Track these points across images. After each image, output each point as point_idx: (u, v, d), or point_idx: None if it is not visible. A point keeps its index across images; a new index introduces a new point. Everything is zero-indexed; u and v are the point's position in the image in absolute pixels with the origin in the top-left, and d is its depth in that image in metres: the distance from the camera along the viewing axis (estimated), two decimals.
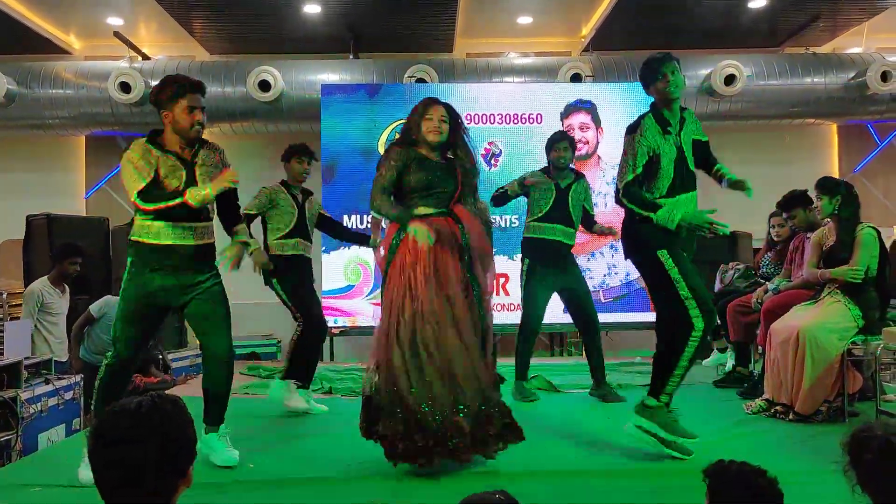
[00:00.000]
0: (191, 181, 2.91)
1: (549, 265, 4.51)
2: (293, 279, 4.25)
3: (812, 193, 4.05)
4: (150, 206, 2.80)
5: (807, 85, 7.63)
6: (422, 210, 3.05)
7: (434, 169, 3.10)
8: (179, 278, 2.93)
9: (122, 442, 1.31)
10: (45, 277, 5.41)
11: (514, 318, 6.76)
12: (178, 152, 2.95)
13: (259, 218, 4.31)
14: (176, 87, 2.91)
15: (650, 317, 6.95)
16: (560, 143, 4.55)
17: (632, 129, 3.12)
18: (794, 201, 4.42)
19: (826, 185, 3.94)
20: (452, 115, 3.16)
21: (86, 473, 2.85)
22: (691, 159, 3.11)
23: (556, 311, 6.80)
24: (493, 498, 1.50)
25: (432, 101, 3.16)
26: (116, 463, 1.31)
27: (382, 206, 3.08)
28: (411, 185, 3.06)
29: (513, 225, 6.93)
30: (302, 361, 4.26)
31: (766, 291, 4.43)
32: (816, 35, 8.08)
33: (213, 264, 3.08)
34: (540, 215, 4.55)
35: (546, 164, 4.68)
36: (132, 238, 2.95)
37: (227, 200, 3.16)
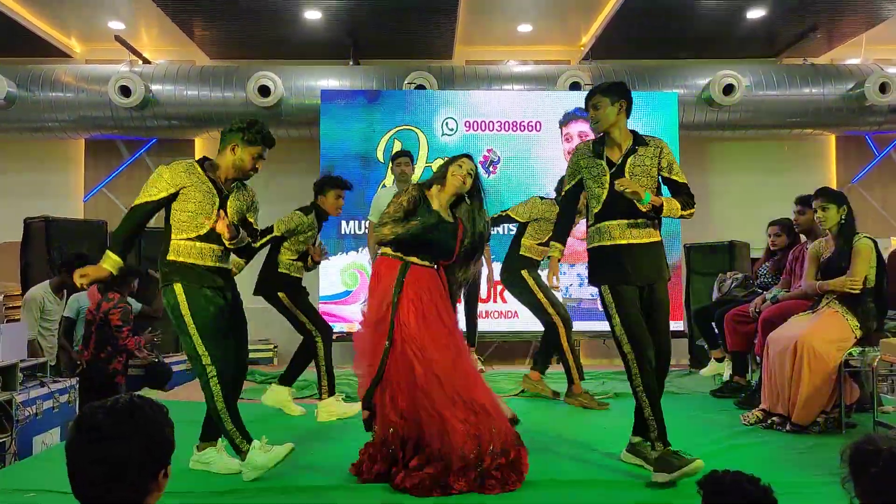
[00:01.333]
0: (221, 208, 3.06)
1: None
2: (303, 296, 4.31)
3: (814, 203, 4.00)
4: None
5: (805, 95, 7.66)
6: (414, 259, 3.01)
7: (443, 229, 3.05)
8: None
9: (108, 438, 1.33)
10: (47, 283, 5.40)
11: (511, 325, 6.80)
12: (218, 180, 3.07)
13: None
14: (261, 136, 3.06)
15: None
16: None
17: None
18: (809, 201, 4.40)
19: (833, 195, 3.93)
20: (478, 175, 3.19)
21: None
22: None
23: None
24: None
25: (466, 155, 3.18)
26: (100, 460, 1.33)
27: (396, 229, 2.99)
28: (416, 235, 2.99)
29: (511, 233, 6.91)
30: (331, 370, 4.31)
31: (764, 301, 4.44)
32: (815, 46, 8.11)
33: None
34: None
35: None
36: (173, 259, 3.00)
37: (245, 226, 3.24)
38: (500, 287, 6.83)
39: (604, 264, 3.08)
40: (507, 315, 6.83)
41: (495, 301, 6.82)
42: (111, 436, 1.33)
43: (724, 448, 3.40)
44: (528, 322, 6.73)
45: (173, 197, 2.96)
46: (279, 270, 4.27)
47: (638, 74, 7.67)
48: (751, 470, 1.69)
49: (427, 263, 3.03)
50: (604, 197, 3.06)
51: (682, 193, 3.14)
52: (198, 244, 2.98)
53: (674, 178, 3.15)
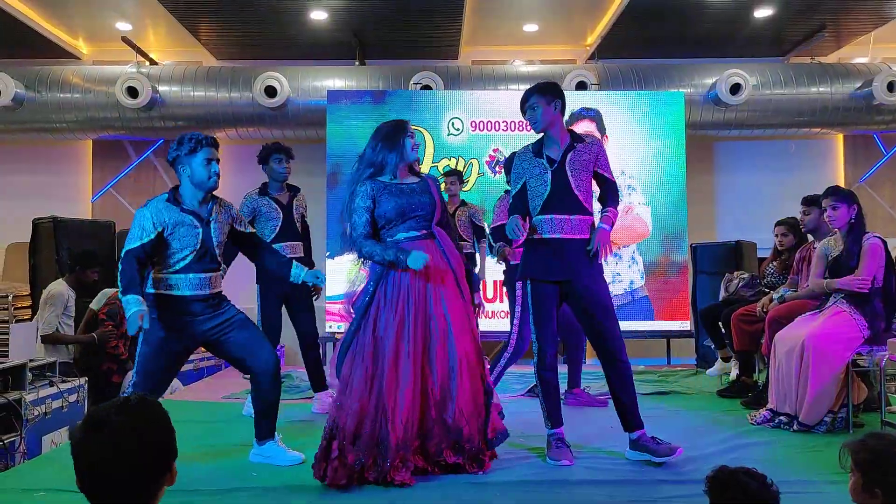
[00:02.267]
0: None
1: None
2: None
3: (824, 202, 3.97)
4: None
5: (813, 94, 7.63)
6: (402, 236, 3.03)
7: (409, 191, 3.07)
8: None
9: (119, 435, 1.35)
10: (63, 280, 5.42)
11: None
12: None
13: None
14: (195, 140, 3.03)
15: (653, 325, 6.97)
16: None
17: None
18: (815, 201, 4.38)
19: (844, 194, 3.90)
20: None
21: None
22: (575, 184, 3.16)
23: None
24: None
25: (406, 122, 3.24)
26: (111, 458, 1.34)
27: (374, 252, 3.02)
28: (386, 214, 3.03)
29: None
30: None
31: (771, 300, 4.42)
32: (822, 45, 8.08)
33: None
34: None
35: None
36: None
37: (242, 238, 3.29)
38: (504, 288, 6.84)
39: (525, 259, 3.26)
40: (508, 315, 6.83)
41: (501, 301, 6.82)
42: (122, 433, 1.35)
43: (731, 447, 3.39)
44: None
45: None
46: None
47: (644, 74, 7.66)
48: (757, 468, 1.69)
49: (416, 234, 3.03)
50: (545, 196, 3.18)
51: (611, 191, 3.29)
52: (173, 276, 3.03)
53: (605, 174, 3.28)
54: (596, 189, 3.29)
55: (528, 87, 7.91)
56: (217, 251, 3.10)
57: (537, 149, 3.28)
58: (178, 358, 3.14)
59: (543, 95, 3.22)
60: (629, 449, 3.19)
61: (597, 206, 3.28)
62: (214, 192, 3.13)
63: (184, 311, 3.02)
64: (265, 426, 3.20)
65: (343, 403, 2.89)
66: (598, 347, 3.20)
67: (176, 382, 5.23)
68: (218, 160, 3.08)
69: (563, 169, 3.17)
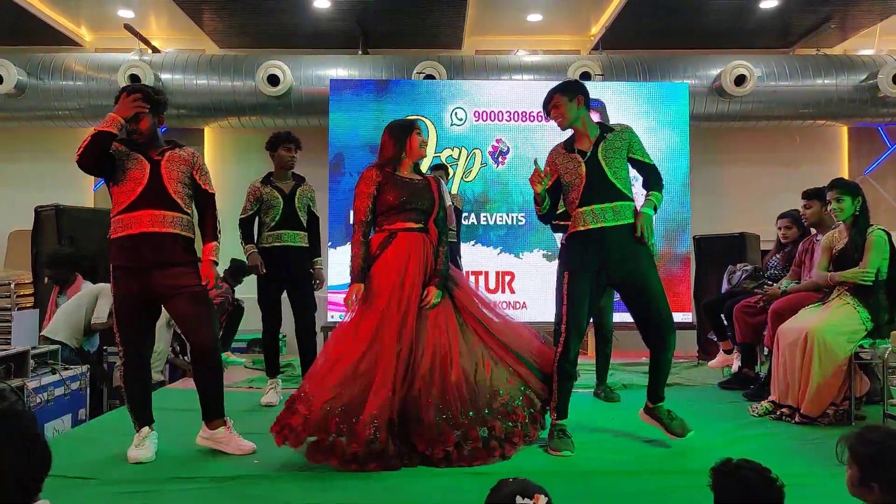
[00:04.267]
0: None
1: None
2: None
3: (829, 194, 3.95)
4: None
5: (818, 86, 7.59)
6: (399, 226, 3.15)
7: (413, 187, 3.20)
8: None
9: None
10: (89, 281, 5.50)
11: (520, 315, 6.78)
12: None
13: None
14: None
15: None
16: None
17: None
18: (818, 194, 4.37)
19: (849, 186, 3.89)
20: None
21: (135, 452, 3.01)
22: (611, 172, 3.23)
23: None
24: (520, 480, 1.56)
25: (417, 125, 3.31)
26: None
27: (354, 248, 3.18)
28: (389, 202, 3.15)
29: (519, 223, 6.92)
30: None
31: (777, 293, 4.39)
32: (828, 36, 8.04)
33: None
34: None
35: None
36: None
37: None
38: (507, 277, 6.84)
39: (570, 251, 3.28)
40: (515, 306, 6.83)
41: (503, 291, 6.82)
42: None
43: (732, 439, 3.40)
44: (536, 312, 6.74)
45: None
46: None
47: (648, 65, 7.62)
48: (759, 461, 1.69)
49: (414, 226, 3.14)
50: (581, 187, 3.22)
51: (651, 175, 3.33)
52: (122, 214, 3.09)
53: (642, 159, 3.31)
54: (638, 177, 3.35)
55: (531, 77, 7.92)
56: (170, 192, 3.07)
57: (569, 144, 3.34)
58: (142, 308, 3.11)
59: (565, 93, 3.32)
60: (643, 412, 3.34)
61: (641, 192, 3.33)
62: (191, 150, 3.24)
63: (134, 251, 3.02)
64: (209, 410, 3.18)
65: (315, 374, 3.01)
66: (646, 327, 3.25)
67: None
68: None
69: (596, 158, 3.22)
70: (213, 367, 3.15)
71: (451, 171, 6.41)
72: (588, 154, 3.24)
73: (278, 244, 4.30)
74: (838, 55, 7.99)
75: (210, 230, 3.19)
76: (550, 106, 3.36)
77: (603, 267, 3.21)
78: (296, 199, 4.34)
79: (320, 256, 4.51)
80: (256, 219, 4.38)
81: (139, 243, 3.02)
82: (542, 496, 1.53)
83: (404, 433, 2.93)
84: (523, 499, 1.50)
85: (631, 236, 3.19)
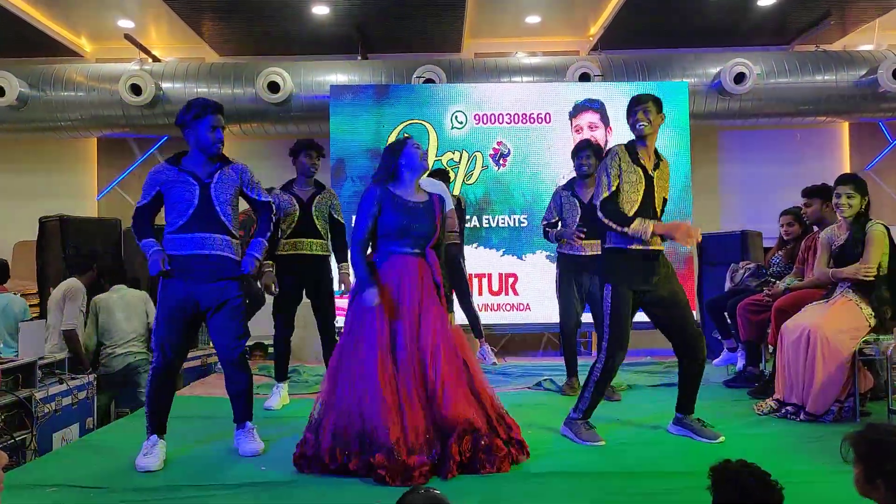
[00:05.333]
0: None
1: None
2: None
3: (839, 189, 3.91)
4: None
5: (818, 83, 7.59)
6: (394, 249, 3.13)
7: (413, 212, 3.11)
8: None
9: None
10: (77, 279, 5.49)
11: (523, 317, 6.81)
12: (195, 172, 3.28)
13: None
14: (200, 106, 3.18)
15: None
16: (583, 151, 4.53)
17: (606, 154, 3.42)
18: (817, 192, 4.37)
19: (859, 183, 3.85)
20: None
21: (143, 461, 3.02)
22: (659, 198, 3.38)
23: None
24: (434, 495, 1.56)
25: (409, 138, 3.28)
26: None
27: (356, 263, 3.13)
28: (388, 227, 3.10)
29: (521, 225, 6.94)
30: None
31: (783, 290, 4.39)
32: (827, 32, 8.04)
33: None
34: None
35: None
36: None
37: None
38: (510, 280, 6.85)
39: (617, 264, 3.34)
40: (518, 307, 6.84)
41: (507, 293, 6.83)
42: None
43: (737, 437, 3.40)
44: (539, 314, 6.76)
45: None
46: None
47: (648, 64, 7.63)
48: (764, 459, 1.70)
49: (408, 251, 3.10)
50: (637, 205, 3.28)
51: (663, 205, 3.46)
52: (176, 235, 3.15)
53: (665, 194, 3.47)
54: None
55: (531, 78, 7.92)
56: (222, 213, 3.14)
57: (634, 155, 3.34)
58: (187, 322, 3.19)
59: (657, 105, 3.35)
60: (673, 424, 3.50)
61: None
62: (230, 158, 3.30)
63: (185, 270, 3.10)
64: (237, 412, 3.31)
65: (327, 399, 2.98)
66: (682, 339, 3.41)
67: None
68: (223, 127, 3.22)
69: (652, 180, 3.33)
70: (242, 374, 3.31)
71: (452, 174, 6.42)
72: (648, 173, 3.32)
73: (294, 252, 4.29)
74: (838, 51, 7.99)
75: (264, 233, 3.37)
76: (640, 107, 3.30)
77: (646, 286, 3.30)
78: (313, 207, 4.33)
79: (346, 262, 4.46)
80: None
81: (190, 263, 3.13)
82: None
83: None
84: None
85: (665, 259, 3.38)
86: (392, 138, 6.91)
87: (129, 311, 5.39)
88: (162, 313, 3.13)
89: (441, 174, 5.67)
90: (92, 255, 5.77)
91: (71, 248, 6.31)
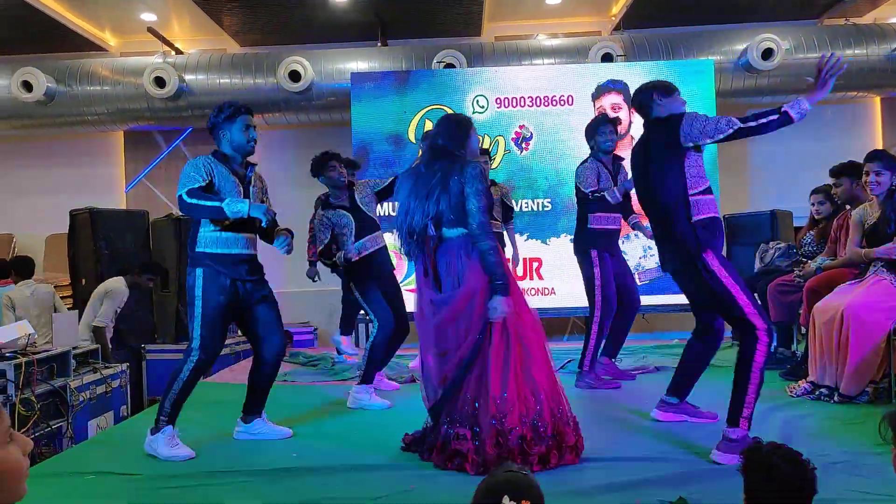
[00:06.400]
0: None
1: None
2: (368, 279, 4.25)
3: (868, 166, 3.82)
4: None
5: (848, 57, 7.39)
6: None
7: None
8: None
9: None
10: (123, 279, 5.78)
11: (549, 302, 6.78)
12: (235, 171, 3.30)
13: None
14: (233, 108, 3.27)
15: (686, 299, 6.89)
16: (607, 125, 4.47)
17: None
18: (846, 170, 4.27)
19: (891, 159, 3.74)
20: None
21: (176, 451, 3.08)
22: None
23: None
24: (518, 476, 1.52)
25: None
26: None
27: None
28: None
29: (545, 209, 6.89)
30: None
31: (814, 271, 4.31)
32: (856, 5, 7.82)
33: None
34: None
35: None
36: None
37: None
38: (535, 264, 6.82)
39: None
40: (543, 292, 6.81)
41: (531, 278, 6.80)
42: None
43: (771, 419, 3.35)
44: (564, 298, 6.72)
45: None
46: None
47: (672, 42, 7.50)
48: (798, 442, 1.68)
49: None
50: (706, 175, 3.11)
51: None
52: (224, 234, 3.17)
53: None
54: None
55: (552, 61, 7.83)
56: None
57: None
58: (228, 321, 3.25)
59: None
60: (664, 410, 3.37)
61: None
62: (252, 161, 3.36)
63: (233, 269, 3.16)
64: (258, 404, 3.41)
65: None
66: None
67: None
68: (255, 126, 3.32)
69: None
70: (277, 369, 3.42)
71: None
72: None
73: (370, 251, 4.27)
74: (868, 24, 7.77)
75: None
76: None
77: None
78: (360, 206, 4.29)
79: None
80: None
81: (237, 262, 3.19)
82: None
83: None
84: (510, 500, 1.47)
85: None
86: (413, 125, 6.90)
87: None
88: (206, 311, 3.13)
89: (484, 154, 5.67)
90: (143, 264, 6.17)
91: (101, 241, 6.43)
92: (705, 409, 3.40)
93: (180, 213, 6.97)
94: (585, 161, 4.53)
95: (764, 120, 2.89)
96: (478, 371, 2.78)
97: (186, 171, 3.13)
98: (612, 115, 6.83)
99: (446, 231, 2.92)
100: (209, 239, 3.16)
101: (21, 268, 5.96)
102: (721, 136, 2.94)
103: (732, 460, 2.64)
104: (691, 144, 2.96)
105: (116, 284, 5.70)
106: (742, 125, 2.91)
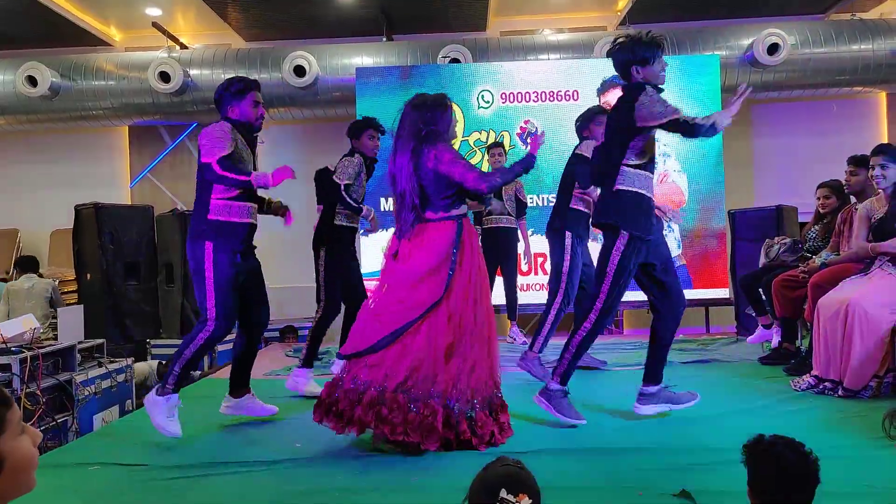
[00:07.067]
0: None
1: None
2: (342, 260, 4.21)
3: (873, 160, 3.82)
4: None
5: (854, 52, 7.36)
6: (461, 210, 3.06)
7: None
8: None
9: None
10: None
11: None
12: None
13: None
14: (243, 83, 3.26)
15: (691, 294, 6.88)
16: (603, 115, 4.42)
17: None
18: (866, 160, 4.24)
19: (894, 153, 3.75)
20: None
21: (171, 427, 3.08)
22: None
23: None
24: (514, 469, 1.52)
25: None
26: None
27: (503, 174, 3.05)
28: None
29: (550, 204, 6.87)
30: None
31: (818, 266, 4.30)
32: (863, 0, 7.78)
33: None
34: None
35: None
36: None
37: None
38: (540, 259, 6.82)
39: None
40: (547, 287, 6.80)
41: (536, 273, 6.80)
42: None
43: (775, 413, 3.35)
44: None
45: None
46: (335, 223, 4.21)
47: (677, 37, 7.48)
48: (802, 435, 1.66)
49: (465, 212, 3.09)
50: None
51: None
52: (237, 203, 3.15)
53: None
54: None
55: (558, 56, 7.81)
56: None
57: None
58: (236, 289, 3.22)
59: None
60: (643, 404, 3.31)
61: None
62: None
63: (238, 239, 3.16)
64: (244, 378, 3.45)
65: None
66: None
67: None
68: (262, 103, 3.32)
69: None
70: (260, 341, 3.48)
71: (480, 155, 6.48)
72: None
73: (354, 225, 4.31)
74: (874, 19, 7.74)
75: None
76: None
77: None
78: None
79: None
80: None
81: (245, 231, 3.21)
82: (527, 497, 1.47)
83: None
84: (507, 494, 1.46)
85: None
86: None
87: None
88: (220, 281, 3.09)
89: (499, 146, 5.77)
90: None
91: (106, 236, 6.45)
92: (712, 407, 3.39)
93: (183, 209, 6.98)
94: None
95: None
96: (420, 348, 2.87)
97: (213, 134, 3.08)
98: None
99: (428, 213, 3.02)
100: (221, 207, 3.12)
101: (24, 264, 6.01)
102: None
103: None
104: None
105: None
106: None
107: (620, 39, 3.24)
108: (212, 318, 3.10)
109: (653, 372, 3.31)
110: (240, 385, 3.45)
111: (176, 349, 3.21)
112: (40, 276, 6.55)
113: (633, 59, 3.19)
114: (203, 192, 3.15)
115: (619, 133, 3.12)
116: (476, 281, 2.98)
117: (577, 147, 4.42)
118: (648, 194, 3.14)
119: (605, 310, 3.13)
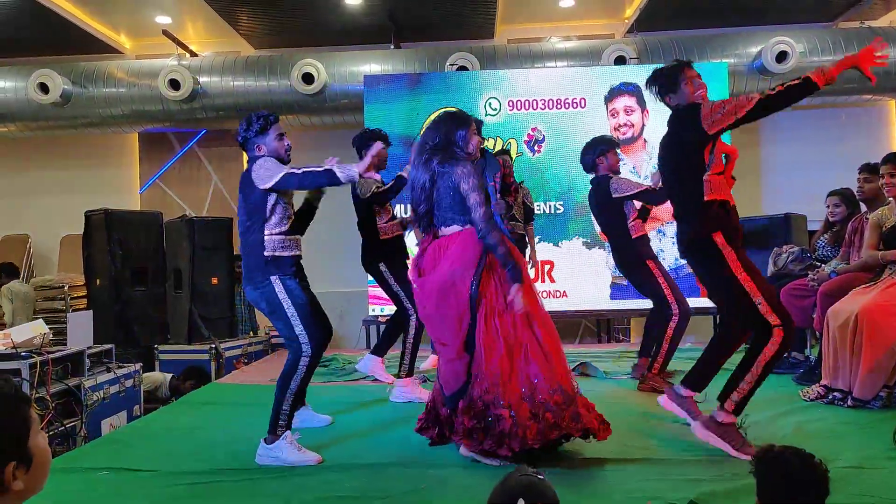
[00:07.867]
0: None
1: None
2: (401, 266, 4.25)
3: (883, 169, 3.82)
4: None
5: None
6: None
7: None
8: None
9: None
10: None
11: (560, 305, 6.76)
12: None
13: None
14: (264, 118, 3.22)
15: (698, 302, 6.84)
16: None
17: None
18: (878, 168, 4.24)
19: None
20: None
21: (304, 457, 3.00)
22: None
23: (604, 297, 6.76)
24: (534, 479, 1.52)
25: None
26: None
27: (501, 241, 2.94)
28: None
29: (557, 212, 6.88)
30: (415, 351, 4.28)
31: (828, 276, 4.28)
32: (873, 8, 7.76)
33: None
34: None
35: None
36: None
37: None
38: (547, 266, 6.81)
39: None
40: (555, 294, 6.80)
41: (543, 281, 6.80)
42: None
43: (784, 424, 3.34)
44: (576, 301, 6.71)
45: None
46: (381, 238, 4.25)
47: (685, 45, 7.48)
48: (811, 446, 1.66)
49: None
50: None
51: None
52: (288, 238, 3.18)
53: None
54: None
55: (565, 63, 7.81)
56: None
57: None
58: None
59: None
60: (667, 398, 3.21)
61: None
62: None
63: (294, 267, 3.19)
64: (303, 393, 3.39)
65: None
66: None
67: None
68: (285, 133, 3.30)
69: None
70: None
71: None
72: None
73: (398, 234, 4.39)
74: (883, 27, 7.71)
75: None
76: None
77: None
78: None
79: None
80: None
81: (296, 262, 3.24)
82: None
83: None
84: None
85: None
86: (426, 127, 6.91)
87: None
88: (299, 306, 3.09)
89: (505, 154, 5.77)
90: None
91: (115, 242, 6.49)
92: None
93: (192, 215, 7.02)
94: (609, 177, 4.52)
95: None
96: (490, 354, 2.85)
97: (264, 164, 3.09)
98: (625, 117, 6.85)
99: (443, 229, 3.02)
100: (276, 243, 3.12)
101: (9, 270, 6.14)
102: None
103: (707, 437, 2.85)
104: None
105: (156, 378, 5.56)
106: None
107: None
108: (305, 343, 3.09)
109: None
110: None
111: (273, 390, 3.12)
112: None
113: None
114: (253, 232, 3.12)
115: (691, 152, 3.17)
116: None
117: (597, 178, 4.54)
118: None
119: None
